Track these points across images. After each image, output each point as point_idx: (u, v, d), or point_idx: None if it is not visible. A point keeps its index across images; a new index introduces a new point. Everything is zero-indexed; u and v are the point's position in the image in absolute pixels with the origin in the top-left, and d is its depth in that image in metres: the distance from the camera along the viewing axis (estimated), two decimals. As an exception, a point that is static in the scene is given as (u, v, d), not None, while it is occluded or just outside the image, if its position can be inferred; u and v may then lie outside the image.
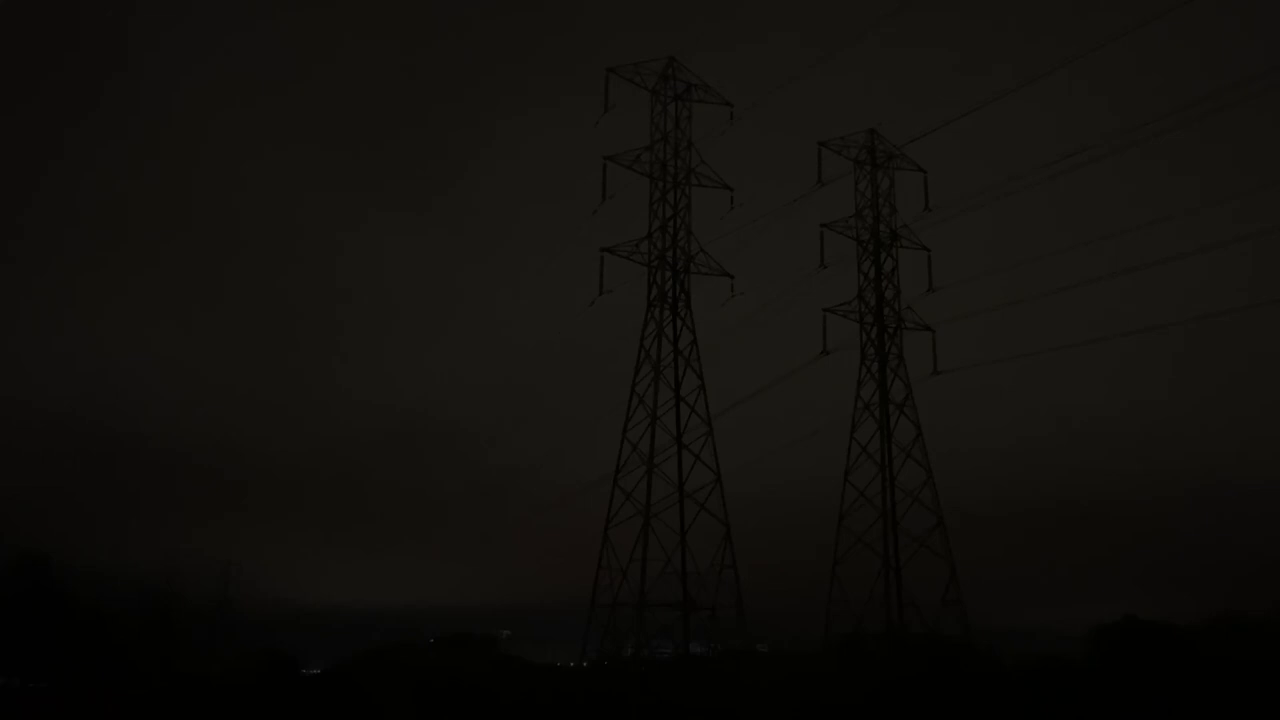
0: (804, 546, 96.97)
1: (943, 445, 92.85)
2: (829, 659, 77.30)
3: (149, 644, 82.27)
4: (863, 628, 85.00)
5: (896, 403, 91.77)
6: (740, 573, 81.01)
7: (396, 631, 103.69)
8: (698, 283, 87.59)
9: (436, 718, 61.02)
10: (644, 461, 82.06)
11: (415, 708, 62.66)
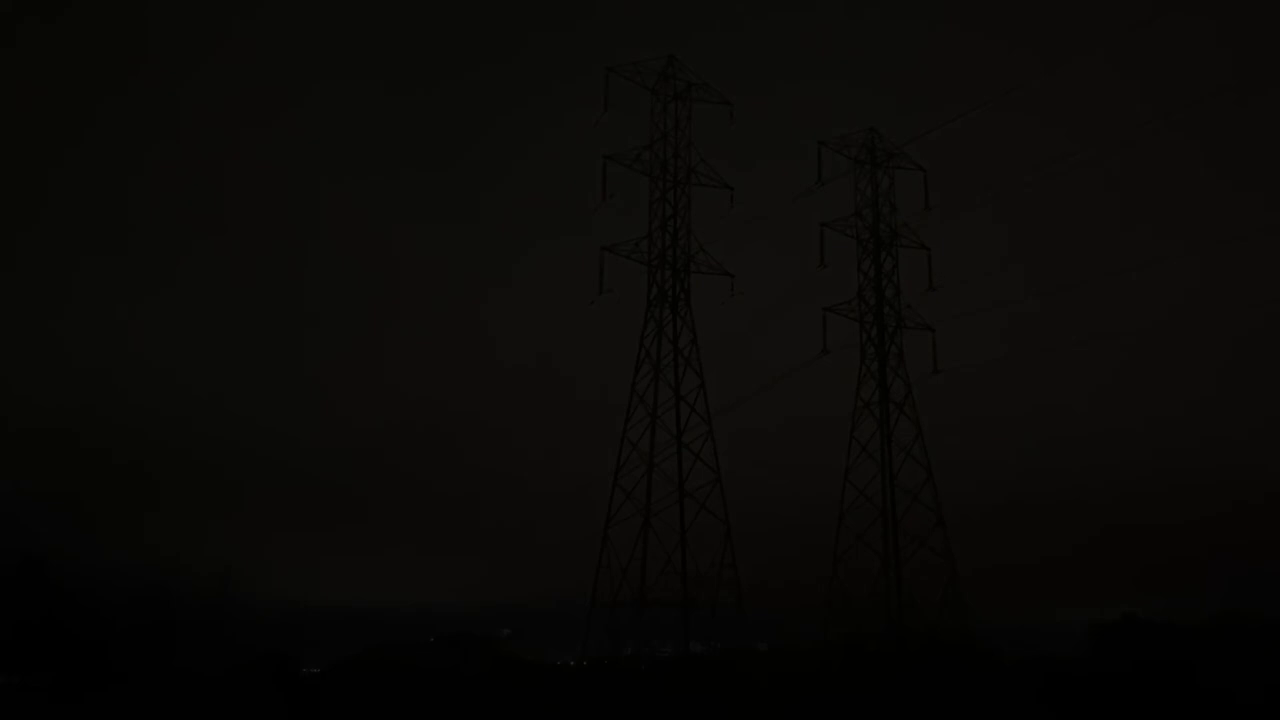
0: (804, 546, 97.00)
1: (943, 445, 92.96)
2: (829, 658, 77.35)
3: (149, 644, 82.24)
4: (863, 627, 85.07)
5: (896, 402, 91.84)
6: (740, 572, 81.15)
7: (396, 631, 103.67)
8: (697, 282, 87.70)
9: (436, 718, 60.95)
10: (644, 461, 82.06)
11: (415, 708, 62.60)
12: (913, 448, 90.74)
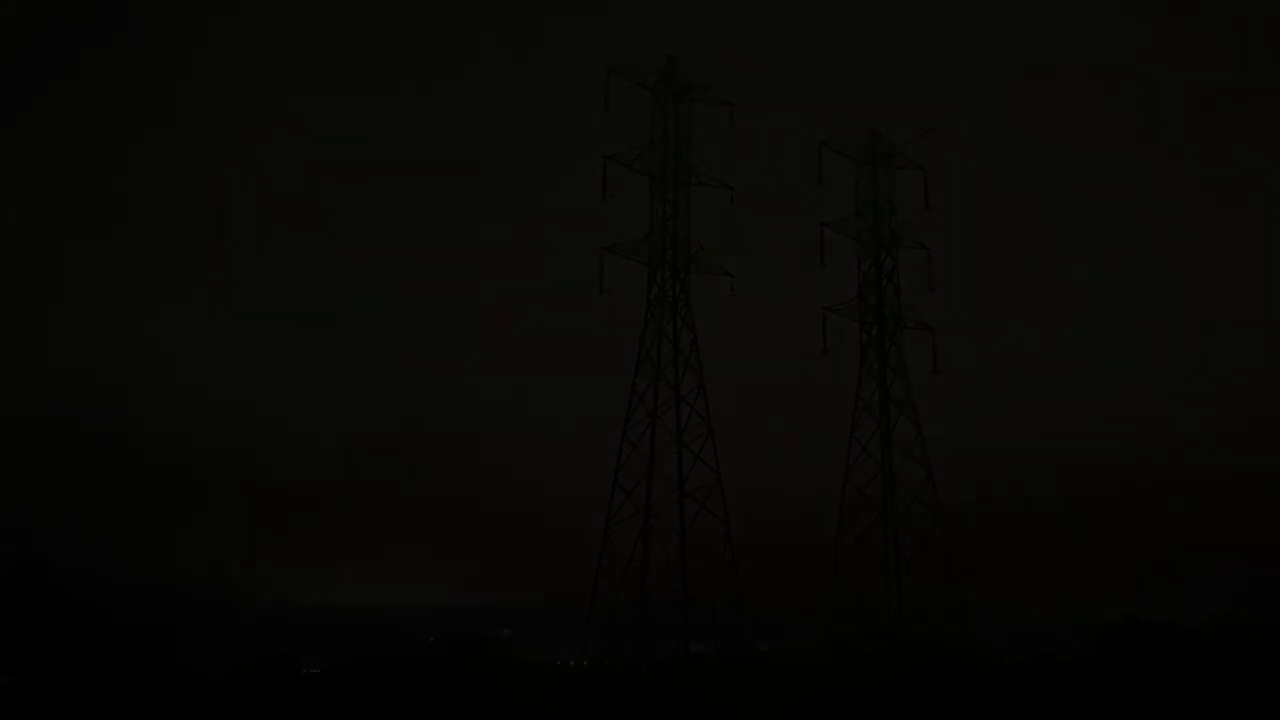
0: (805, 546, 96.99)
1: (943, 444, 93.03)
2: (829, 658, 77.37)
3: (149, 644, 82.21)
4: (863, 627, 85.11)
5: (897, 402, 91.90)
6: (740, 572, 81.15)
7: (396, 631, 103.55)
8: (697, 282, 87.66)
9: (436, 718, 60.93)
10: (644, 461, 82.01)
11: (415, 708, 62.60)
12: (913, 448, 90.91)
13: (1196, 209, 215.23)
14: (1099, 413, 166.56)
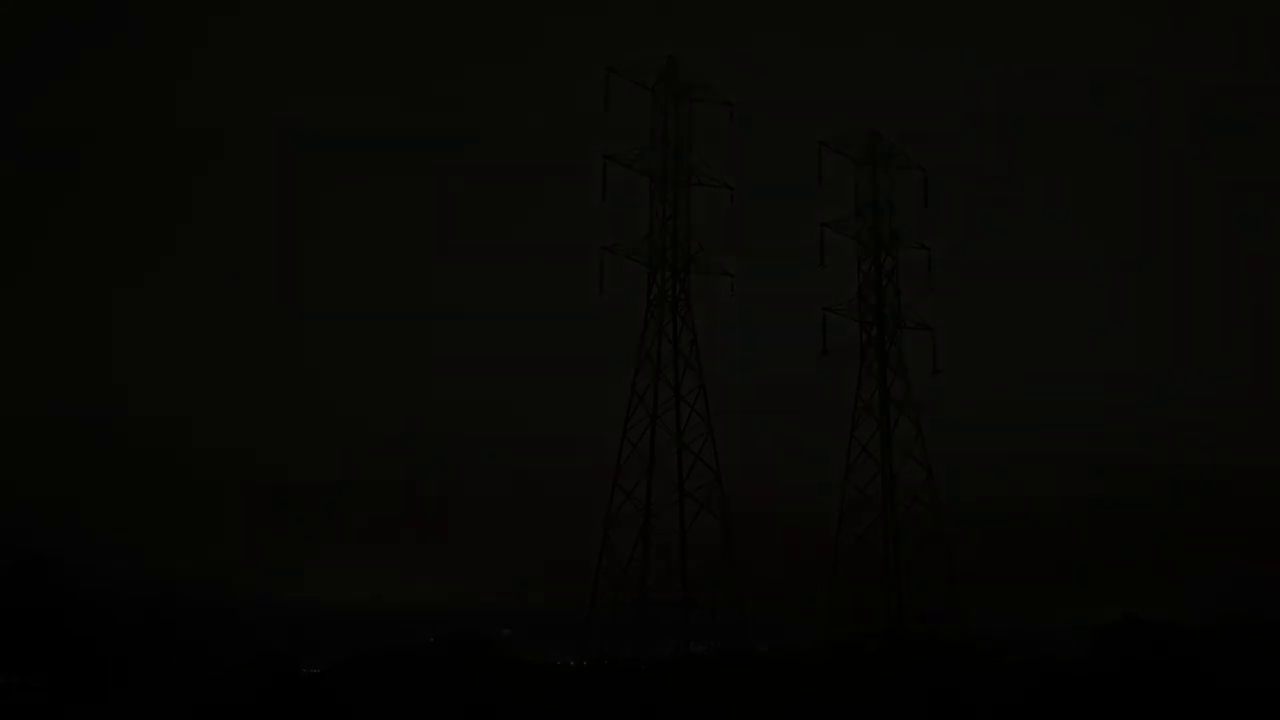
0: (805, 546, 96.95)
1: (943, 444, 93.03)
2: (829, 658, 77.40)
3: (148, 644, 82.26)
4: (863, 627, 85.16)
5: (897, 402, 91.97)
6: (740, 572, 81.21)
7: (396, 631, 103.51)
8: (697, 282, 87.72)
9: (436, 718, 60.95)
10: (644, 461, 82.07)
11: (415, 708, 62.61)
12: (913, 448, 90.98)
13: (1195, 208, 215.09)
14: (1099, 413, 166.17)
